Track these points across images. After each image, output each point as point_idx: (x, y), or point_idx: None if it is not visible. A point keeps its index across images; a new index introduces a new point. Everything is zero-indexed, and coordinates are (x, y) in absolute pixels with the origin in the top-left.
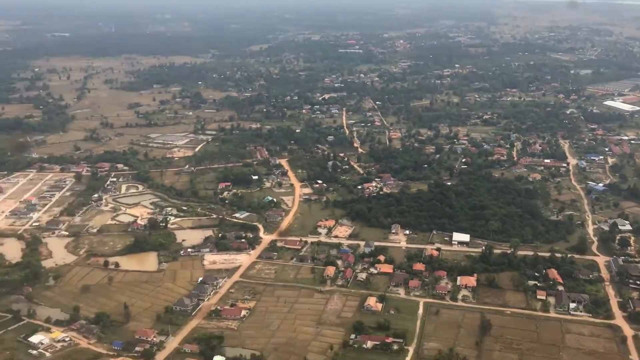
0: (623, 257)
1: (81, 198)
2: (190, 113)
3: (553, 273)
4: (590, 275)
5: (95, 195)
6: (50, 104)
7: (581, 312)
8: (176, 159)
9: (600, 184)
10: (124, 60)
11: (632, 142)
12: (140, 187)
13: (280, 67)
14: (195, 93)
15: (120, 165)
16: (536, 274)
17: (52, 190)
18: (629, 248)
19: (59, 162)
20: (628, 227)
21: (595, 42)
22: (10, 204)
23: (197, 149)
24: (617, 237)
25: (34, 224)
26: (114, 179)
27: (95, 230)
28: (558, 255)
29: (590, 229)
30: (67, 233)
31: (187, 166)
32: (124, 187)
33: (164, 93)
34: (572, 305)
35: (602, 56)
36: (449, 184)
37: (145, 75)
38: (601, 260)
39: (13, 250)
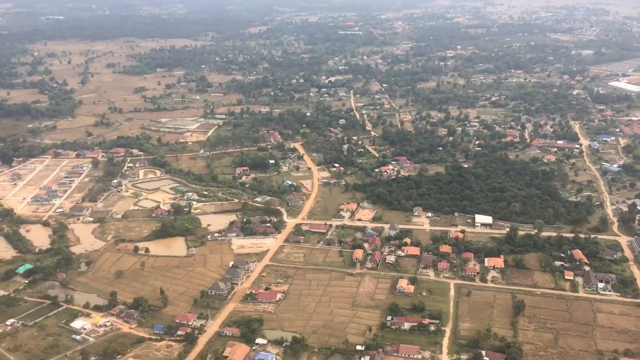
0: None
1: (100, 184)
2: (198, 97)
3: (578, 254)
4: (615, 255)
5: (115, 181)
6: (55, 89)
7: (609, 291)
8: (190, 143)
9: (615, 165)
10: (123, 43)
11: None
12: (158, 173)
13: (282, 50)
14: (200, 77)
15: (135, 151)
16: (562, 254)
17: (71, 176)
18: None
19: (73, 148)
20: None
21: (592, 22)
22: (31, 191)
23: (209, 133)
24: (637, 217)
25: (57, 210)
26: (131, 165)
27: (119, 216)
28: (581, 235)
29: (609, 209)
30: (92, 219)
31: (201, 151)
32: (141, 173)
33: (167, 77)
34: (600, 285)
35: (602, 36)
36: (465, 166)
37: (147, 58)
38: (623, 240)
39: (40, 237)
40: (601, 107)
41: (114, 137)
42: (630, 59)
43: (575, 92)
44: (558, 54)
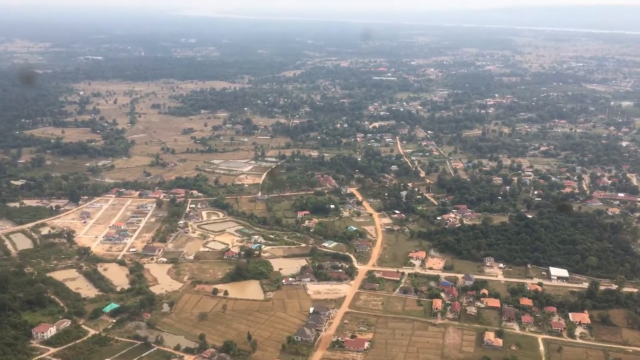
0: None
1: (167, 224)
2: (246, 139)
3: None
4: None
5: (181, 222)
6: (107, 129)
7: None
8: (246, 185)
9: None
10: (163, 84)
11: None
12: (221, 215)
13: (320, 94)
14: (245, 119)
15: (194, 192)
16: None
17: (137, 216)
18: None
19: (135, 188)
20: None
21: (625, 73)
22: (101, 229)
23: (263, 176)
24: None
25: (130, 250)
26: (193, 206)
27: (191, 257)
28: None
29: None
30: (165, 259)
31: (259, 193)
32: (204, 214)
33: (212, 118)
34: None
35: (638, 88)
36: (529, 216)
37: (190, 100)
38: None
39: (118, 276)
40: None
41: (172, 178)
42: None
43: (624, 144)
44: (598, 104)
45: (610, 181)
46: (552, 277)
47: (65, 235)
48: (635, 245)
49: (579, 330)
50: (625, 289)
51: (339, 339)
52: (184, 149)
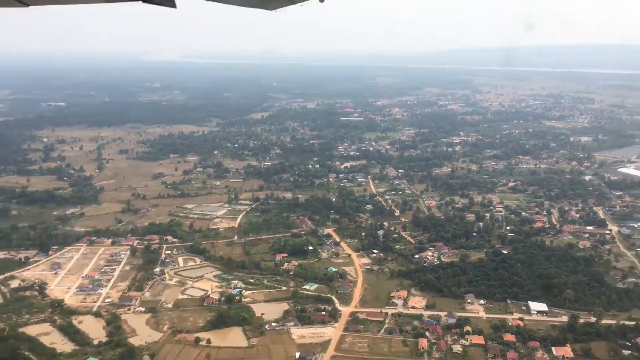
0: None
1: (143, 272)
2: (218, 183)
3: None
4: None
5: (157, 269)
6: (74, 176)
7: None
8: (221, 229)
9: None
10: (130, 129)
11: None
12: (198, 260)
13: (289, 136)
14: (216, 162)
15: (169, 238)
16: (627, 343)
17: (111, 265)
18: None
19: (107, 236)
20: None
21: (581, 109)
22: (73, 280)
23: (238, 219)
24: None
25: (106, 301)
26: (168, 252)
27: (170, 306)
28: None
29: None
30: (143, 309)
31: (235, 237)
32: (180, 260)
33: (182, 162)
34: None
35: (594, 123)
36: (505, 252)
37: (159, 144)
38: None
39: (95, 328)
40: (618, 194)
41: (145, 224)
42: (630, 146)
43: (587, 178)
44: (558, 140)
45: (578, 215)
46: (532, 312)
47: (37, 287)
48: (609, 277)
49: None
50: (604, 321)
51: None
52: (156, 194)
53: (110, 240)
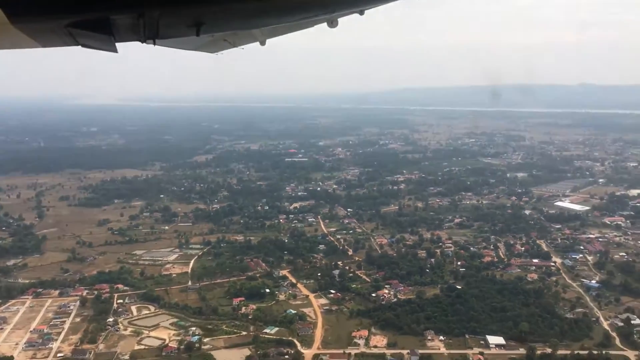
0: None
1: (95, 323)
2: (167, 227)
3: None
4: None
5: (110, 319)
6: (13, 225)
7: None
8: (174, 275)
9: (593, 281)
10: (69, 175)
11: (600, 239)
12: (152, 308)
13: (235, 177)
14: (164, 207)
15: (120, 286)
16: None
17: (60, 317)
18: None
19: (53, 287)
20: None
21: (514, 147)
22: (21, 335)
23: (191, 264)
24: (635, 331)
25: (58, 355)
26: (120, 301)
27: (127, 357)
28: (595, 352)
29: (605, 324)
30: None
31: (189, 282)
32: (134, 309)
33: (127, 208)
34: None
35: (527, 160)
36: (459, 287)
37: (102, 190)
38: (631, 354)
39: None
40: (558, 226)
41: (93, 273)
42: (563, 181)
43: (528, 213)
44: (497, 176)
45: (523, 248)
46: (491, 346)
47: None
48: (559, 308)
49: None
50: (560, 352)
51: None
52: (102, 242)
53: (57, 292)
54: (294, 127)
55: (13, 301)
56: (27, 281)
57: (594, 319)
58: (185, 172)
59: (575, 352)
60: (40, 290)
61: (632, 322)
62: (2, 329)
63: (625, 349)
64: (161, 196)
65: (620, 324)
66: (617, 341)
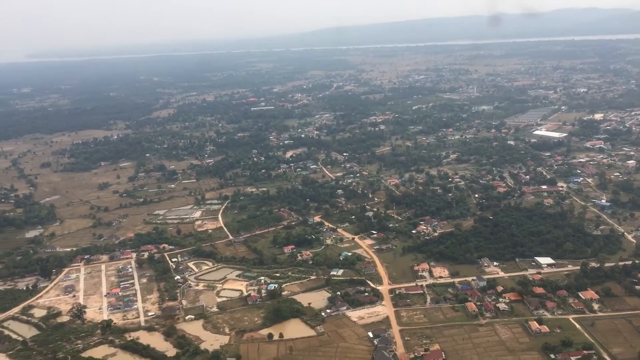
0: None
1: (164, 282)
2: (173, 185)
3: None
4: None
5: (178, 277)
6: (10, 196)
7: None
8: (210, 231)
9: (603, 200)
10: (33, 140)
11: (591, 163)
12: (210, 263)
13: (213, 131)
14: (159, 165)
15: (165, 246)
16: (633, 280)
17: (125, 279)
18: None
19: (100, 252)
20: None
21: (465, 80)
22: (97, 300)
23: (220, 219)
24: None
25: (149, 314)
26: (175, 259)
27: (215, 309)
28: (637, 262)
29: (630, 237)
30: (193, 316)
31: (229, 237)
32: (192, 265)
33: (118, 169)
34: None
35: (484, 93)
36: (490, 217)
37: (81, 154)
38: None
39: (157, 343)
40: (547, 154)
41: (130, 235)
42: (529, 111)
43: (513, 143)
44: (465, 111)
45: (528, 177)
46: (543, 265)
47: (75, 312)
48: (586, 227)
49: (595, 305)
50: (606, 265)
51: (416, 354)
52: (116, 205)
53: (105, 256)
54: (237, 74)
55: (66, 269)
56: (68, 249)
57: (619, 233)
58: (156, 129)
59: (620, 264)
60: (87, 256)
61: None
62: (74, 296)
63: None
64: (147, 155)
65: None
66: None
